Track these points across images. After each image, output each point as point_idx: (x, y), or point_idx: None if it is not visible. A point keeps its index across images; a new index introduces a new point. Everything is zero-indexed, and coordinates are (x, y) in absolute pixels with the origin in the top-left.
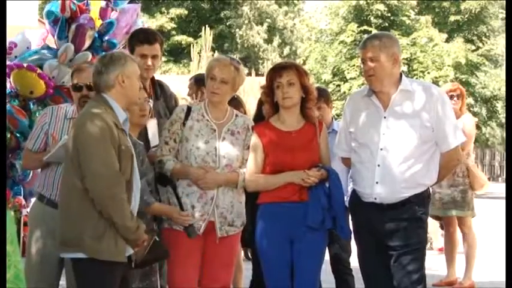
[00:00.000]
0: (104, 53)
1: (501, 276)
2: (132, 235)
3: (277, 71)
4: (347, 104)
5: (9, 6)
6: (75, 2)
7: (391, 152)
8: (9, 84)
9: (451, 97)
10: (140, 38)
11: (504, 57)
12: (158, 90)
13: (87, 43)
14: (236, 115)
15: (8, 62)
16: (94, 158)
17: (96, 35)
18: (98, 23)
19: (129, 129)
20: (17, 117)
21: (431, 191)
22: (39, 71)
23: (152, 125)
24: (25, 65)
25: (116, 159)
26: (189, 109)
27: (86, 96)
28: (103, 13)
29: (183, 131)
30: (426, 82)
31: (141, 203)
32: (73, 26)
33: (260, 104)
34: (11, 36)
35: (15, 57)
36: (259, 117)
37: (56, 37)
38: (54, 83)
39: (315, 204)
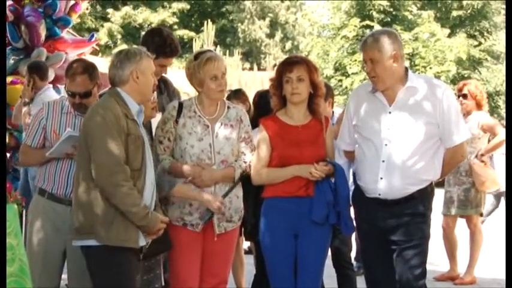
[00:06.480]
0: (58, 31)
1: (503, 274)
2: (140, 221)
3: (287, 65)
4: (351, 98)
5: None
6: (10, 2)
7: (396, 147)
8: None
9: (458, 97)
10: (169, 51)
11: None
12: (162, 85)
13: (43, 35)
14: (228, 107)
15: None
16: (98, 148)
17: (45, 19)
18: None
19: None
20: None
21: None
22: (23, 80)
23: (156, 119)
24: (8, 81)
25: (120, 148)
26: (180, 106)
27: (79, 104)
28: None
29: (176, 129)
30: (433, 78)
31: (166, 186)
32: (23, 27)
33: (259, 97)
34: None
35: None
36: (259, 110)
37: (10, 39)
38: None
39: (320, 199)
